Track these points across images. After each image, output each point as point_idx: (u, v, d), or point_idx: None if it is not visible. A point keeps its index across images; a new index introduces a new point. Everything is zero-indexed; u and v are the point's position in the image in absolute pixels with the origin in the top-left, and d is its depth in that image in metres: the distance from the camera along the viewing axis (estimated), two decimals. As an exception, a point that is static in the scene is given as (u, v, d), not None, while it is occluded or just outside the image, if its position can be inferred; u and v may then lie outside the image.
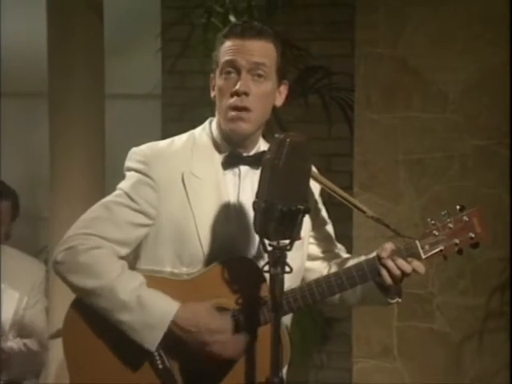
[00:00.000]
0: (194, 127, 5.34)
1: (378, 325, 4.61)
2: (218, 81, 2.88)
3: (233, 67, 2.84)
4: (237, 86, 2.82)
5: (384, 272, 2.82)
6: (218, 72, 2.89)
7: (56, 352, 4.96)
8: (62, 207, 5.41)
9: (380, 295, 2.93)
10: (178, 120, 5.93)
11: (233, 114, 2.84)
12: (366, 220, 3.18)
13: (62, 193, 5.41)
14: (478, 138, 4.51)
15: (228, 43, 2.86)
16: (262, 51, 2.85)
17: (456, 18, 4.53)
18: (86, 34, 5.36)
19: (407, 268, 2.81)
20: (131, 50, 6.06)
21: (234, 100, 2.83)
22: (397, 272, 2.81)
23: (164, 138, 5.76)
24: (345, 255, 3.14)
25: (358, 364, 4.66)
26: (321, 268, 3.07)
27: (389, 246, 2.84)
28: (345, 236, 3.79)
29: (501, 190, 4.50)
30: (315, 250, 3.08)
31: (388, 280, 2.83)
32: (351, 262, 2.96)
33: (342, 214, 3.62)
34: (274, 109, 2.97)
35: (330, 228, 3.14)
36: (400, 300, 2.95)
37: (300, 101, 4.89)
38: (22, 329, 4.64)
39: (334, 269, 3.02)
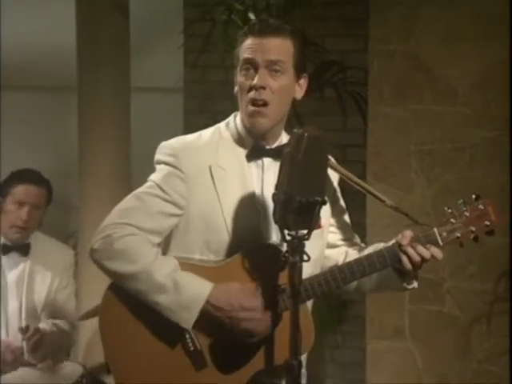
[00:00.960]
0: (214, 119, 5.32)
1: (390, 307, 4.59)
2: (239, 77, 2.87)
3: (251, 64, 2.83)
4: (254, 81, 2.81)
5: (404, 258, 2.82)
6: (238, 69, 2.88)
7: (83, 332, 5.02)
8: (90, 196, 5.42)
9: (397, 281, 2.92)
10: (199, 112, 5.90)
11: (251, 108, 2.84)
12: (381, 208, 3.15)
13: (91, 182, 5.42)
14: (485, 130, 4.47)
15: (247, 41, 2.86)
16: (279, 48, 2.84)
17: (463, 18, 4.49)
18: (113, 31, 5.36)
19: (426, 254, 2.81)
20: (155, 46, 6.04)
21: (252, 94, 2.82)
22: (417, 258, 2.81)
23: (186, 129, 5.84)
24: (360, 244, 3.13)
25: (371, 344, 4.64)
26: (337, 255, 3.06)
27: (408, 234, 2.85)
28: (359, 224, 3.77)
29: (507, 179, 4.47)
30: (332, 237, 3.07)
31: (408, 266, 2.82)
32: (368, 250, 2.95)
33: (355, 202, 3.56)
34: (294, 102, 2.94)
35: (347, 217, 3.13)
36: (416, 286, 2.94)
37: (316, 94, 4.85)
38: (53, 310, 4.65)
39: (350, 257, 2.99)
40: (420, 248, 2.81)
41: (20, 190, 4.51)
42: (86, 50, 5.38)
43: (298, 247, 2.57)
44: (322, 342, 5.56)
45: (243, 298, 2.77)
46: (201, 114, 5.84)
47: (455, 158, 4.51)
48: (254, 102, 2.82)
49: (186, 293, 2.77)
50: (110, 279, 2.88)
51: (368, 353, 4.72)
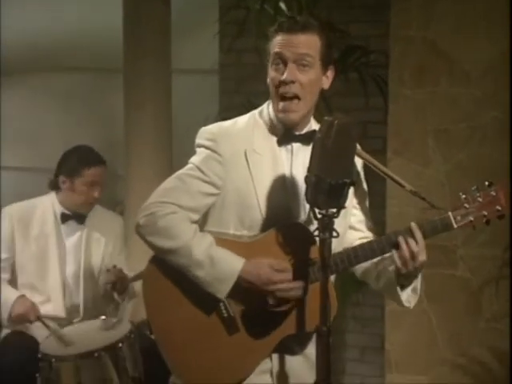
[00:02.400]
0: (248, 99, 5.32)
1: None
2: (270, 71, 2.86)
3: (280, 58, 2.81)
4: (284, 76, 2.79)
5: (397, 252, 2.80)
6: (269, 63, 2.86)
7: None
8: (135, 166, 5.47)
9: (398, 296, 2.91)
10: (233, 92, 5.88)
11: (282, 104, 2.84)
12: (400, 192, 3.13)
13: (136, 154, 5.46)
14: (496, 111, 4.42)
15: (277, 38, 2.83)
16: (307, 43, 2.81)
17: (477, 8, 4.43)
18: (156, 18, 5.40)
19: (414, 246, 2.78)
20: (194, 32, 5.99)
21: (281, 89, 2.81)
22: (403, 246, 2.79)
23: (221, 108, 5.80)
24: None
25: (389, 305, 4.63)
26: (354, 236, 3.03)
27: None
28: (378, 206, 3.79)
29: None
30: (352, 219, 3.04)
31: (397, 260, 2.80)
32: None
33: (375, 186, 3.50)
34: (322, 91, 2.92)
35: (367, 201, 3.10)
36: (411, 306, 2.94)
37: (341, 77, 4.81)
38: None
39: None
40: (410, 240, 2.78)
41: (91, 173, 4.54)
42: (131, 35, 5.42)
43: (327, 224, 2.58)
44: (345, 300, 5.57)
45: (272, 273, 2.77)
46: (235, 94, 5.82)
47: (468, 137, 4.47)
48: (283, 96, 2.81)
49: (221, 267, 2.78)
50: (153, 252, 2.90)
51: (387, 313, 4.71)
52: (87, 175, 4.52)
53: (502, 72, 4.38)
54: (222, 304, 2.83)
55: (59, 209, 4.58)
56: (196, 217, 2.88)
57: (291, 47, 2.80)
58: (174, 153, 5.53)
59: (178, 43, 5.58)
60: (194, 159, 2.91)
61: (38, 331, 4.43)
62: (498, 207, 2.81)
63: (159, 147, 5.47)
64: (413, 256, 2.77)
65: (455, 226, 2.82)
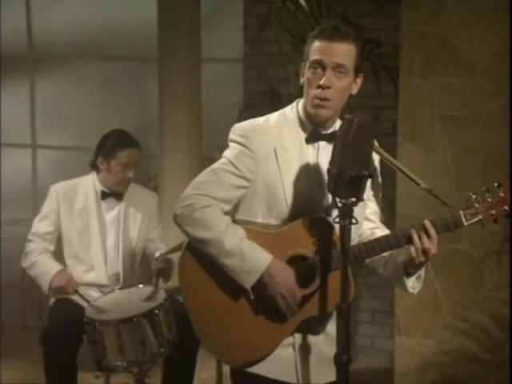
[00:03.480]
0: (269, 86, 5.30)
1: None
2: (307, 73, 2.83)
3: (320, 64, 2.79)
4: (322, 81, 2.78)
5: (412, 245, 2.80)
6: (307, 65, 2.83)
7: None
8: (168, 146, 5.48)
9: (404, 283, 2.93)
10: (255, 80, 5.85)
11: (316, 101, 2.82)
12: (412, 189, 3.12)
13: (169, 135, 5.48)
14: (499, 99, 4.40)
15: (317, 43, 2.80)
16: (345, 53, 2.79)
17: (482, 4, 4.40)
18: (187, 11, 5.37)
19: (426, 243, 2.79)
20: (221, 24, 5.98)
21: (318, 92, 2.79)
22: (418, 244, 2.79)
23: (246, 93, 5.79)
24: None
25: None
26: (367, 226, 3.03)
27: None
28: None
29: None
30: (367, 210, 3.03)
31: (413, 252, 2.80)
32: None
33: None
34: (350, 96, 2.92)
35: (380, 194, 3.09)
36: (416, 292, 2.97)
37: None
38: (148, 246, 4.72)
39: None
40: (422, 235, 2.78)
41: (125, 155, 4.56)
42: (165, 26, 5.40)
43: (347, 212, 2.60)
44: (358, 269, 5.60)
45: (296, 285, 2.81)
46: (257, 81, 5.80)
47: (473, 123, 4.45)
48: (319, 98, 2.80)
49: (250, 260, 2.79)
50: (189, 240, 2.91)
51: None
52: (122, 157, 4.55)
53: (506, 62, 4.35)
54: (249, 290, 2.84)
55: (99, 187, 4.63)
56: (228, 207, 2.88)
57: (331, 55, 2.77)
58: (203, 133, 5.55)
59: (206, 34, 5.56)
60: (227, 154, 2.90)
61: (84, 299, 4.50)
62: (506, 207, 2.81)
63: (189, 128, 5.48)
64: (425, 251, 2.78)
65: (465, 224, 2.82)
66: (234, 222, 2.91)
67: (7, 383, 5.45)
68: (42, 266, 4.48)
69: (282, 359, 2.91)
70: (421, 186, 3.04)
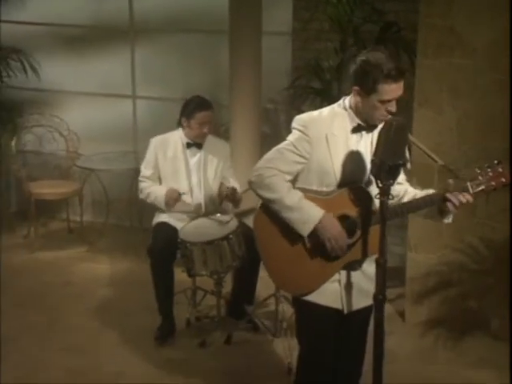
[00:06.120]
0: (313, 59, 5.11)
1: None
2: (376, 102, 2.72)
3: (388, 99, 2.69)
4: (393, 109, 2.70)
5: (449, 203, 2.76)
6: (374, 97, 2.71)
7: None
8: (236, 98, 5.34)
9: (438, 217, 2.86)
10: (302, 49, 5.61)
11: (382, 118, 2.74)
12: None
13: (236, 90, 5.30)
14: (497, 74, 4.18)
15: (387, 86, 2.68)
16: (402, 86, 2.71)
17: (485, 1, 4.15)
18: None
19: (463, 199, 2.74)
20: (275, 3, 5.68)
21: (387, 114, 2.71)
22: (457, 202, 2.73)
23: (293, 61, 5.60)
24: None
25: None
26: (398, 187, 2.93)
27: (452, 182, 2.77)
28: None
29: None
30: (400, 177, 2.92)
31: (451, 208, 2.75)
32: (421, 194, 2.88)
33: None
34: None
35: (408, 164, 3.00)
36: (451, 220, 2.86)
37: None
38: (221, 183, 4.66)
39: (408, 194, 2.92)
40: (460, 196, 2.73)
41: (201, 115, 4.51)
42: (234, 5, 5.19)
43: (386, 191, 2.56)
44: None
45: (336, 228, 2.79)
46: (303, 51, 5.58)
47: (474, 93, 4.25)
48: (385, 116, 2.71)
49: (306, 214, 2.77)
50: (262, 200, 2.89)
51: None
52: (198, 117, 4.49)
53: (502, 44, 4.12)
54: (306, 238, 2.83)
55: (184, 139, 4.59)
56: (289, 177, 2.85)
57: (396, 92, 2.70)
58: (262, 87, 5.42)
59: (264, 12, 5.32)
60: (290, 137, 2.87)
61: (177, 223, 4.52)
62: (503, 179, 2.75)
63: (252, 84, 5.32)
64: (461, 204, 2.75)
65: (471, 191, 2.76)
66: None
67: (118, 271, 5.50)
68: (155, 193, 4.51)
69: (330, 291, 2.91)
70: (439, 163, 2.96)
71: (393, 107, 2.69)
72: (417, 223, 4.51)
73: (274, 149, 2.88)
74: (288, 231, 2.82)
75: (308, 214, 2.76)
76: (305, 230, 2.78)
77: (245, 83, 5.29)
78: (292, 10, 5.67)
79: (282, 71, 5.71)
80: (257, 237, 2.94)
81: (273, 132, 5.87)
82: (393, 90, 2.67)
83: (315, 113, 2.89)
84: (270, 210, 2.85)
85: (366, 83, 2.69)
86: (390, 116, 2.68)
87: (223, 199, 4.53)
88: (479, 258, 4.45)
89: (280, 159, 2.82)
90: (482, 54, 4.19)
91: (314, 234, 2.79)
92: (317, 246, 2.82)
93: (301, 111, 5.23)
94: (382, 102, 2.69)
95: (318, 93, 5.00)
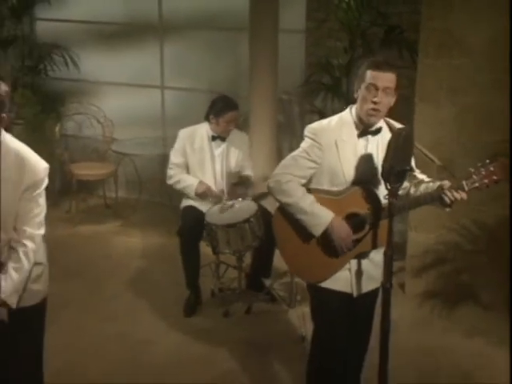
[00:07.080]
0: (324, 58, 5.01)
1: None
2: (363, 90, 2.69)
3: (374, 87, 2.66)
4: (376, 99, 2.65)
5: (445, 197, 2.72)
6: (363, 85, 2.69)
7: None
8: (255, 90, 5.26)
9: (440, 206, 2.81)
10: (314, 45, 5.52)
11: (370, 112, 2.70)
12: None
13: (255, 82, 5.22)
14: (492, 72, 4.10)
15: (371, 72, 2.66)
16: (390, 79, 2.66)
17: (483, 6, 4.04)
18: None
19: (458, 196, 2.71)
20: (290, 4, 5.57)
21: (372, 105, 2.68)
22: (452, 198, 2.71)
23: (306, 57, 5.50)
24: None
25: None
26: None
27: (447, 183, 2.75)
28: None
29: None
30: None
31: (447, 202, 2.73)
32: (424, 187, 2.84)
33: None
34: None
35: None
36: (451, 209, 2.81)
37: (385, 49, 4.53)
38: (239, 171, 4.66)
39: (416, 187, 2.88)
40: (455, 193, 2.71)
41: (229, 115, 4.49)
42: (254, 5, 5.09)
43: (394, 192, 2.55)
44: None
45: (345, 229, 2.78)
46: (315, 46, 5.48)
47: (472, 90, 4.17)
48: (372, 109, 2.69)
49: (317, 217, 2.77)
50: (279, 203, 2.89)
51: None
52: (226, 116, 4.47)
53: (498, 44, 4.02)
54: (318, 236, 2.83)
55: (210, 132, 4.56)
56: (303, 181, 2.86)
57: (382, 81, 2.66)
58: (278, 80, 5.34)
59: (280, 11, 5.22)
60: (303, 145, 2.86)
61: (203, 207, 4.52)
62: (495, 177, 2.71)
63: (270, 77, 5.23)
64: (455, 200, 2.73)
65: (466, 189, 2.73)
66: (308, 190, 2.87)
67: (150, 245, 5.52)
68: (186, 181, 4.50)
69: (341, 278, 2.92)
70: (436, 163, 2.93)
71: (377, 98, 2.66)
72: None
73: (289, 156, 2.89)
74: (302, 230, 2.84)
75: (319, 217, 2.78)
76: (317, 231, 2.80)
77: (263, 76, 5.21)
78: (305, 10, 5.56)
79: (297, 66, 5.64)
80: (275, 234, 2.97)
81: (287, 121, 5.82)
82: (377, 77, 2.65)
83: (325, 121, 2.88)
84: (286, 211, 2.87)
85: (360, 75, 2.73)
86: (375, 109, 2.67)
87: (238, 185, 4.53)
88: (472, 239, 4.42)
89: (294, 166, 2.83)
90: (481, 53, 4.10)
91: (325, 233, 2.81)
92: (328, 242, 2.83)
93: (313, 105, 5.25)
94: (368, 90, 2.67)
95: (329, 88, 4.93)
